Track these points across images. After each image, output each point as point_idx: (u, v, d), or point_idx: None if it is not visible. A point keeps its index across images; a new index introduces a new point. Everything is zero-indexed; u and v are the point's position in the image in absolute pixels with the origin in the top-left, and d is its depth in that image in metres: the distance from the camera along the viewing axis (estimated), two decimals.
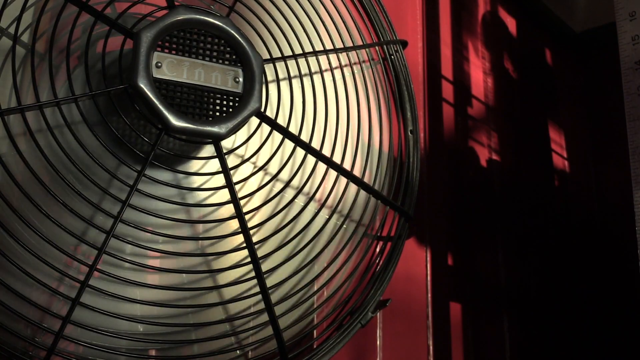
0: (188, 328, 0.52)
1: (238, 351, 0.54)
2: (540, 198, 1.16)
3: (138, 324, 0.50)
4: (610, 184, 1.33)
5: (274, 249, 0.56)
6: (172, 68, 0.51)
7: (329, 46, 0.67)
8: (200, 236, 0.55)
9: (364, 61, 0.72)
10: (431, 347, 0.78)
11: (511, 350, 0.95)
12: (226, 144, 0.57)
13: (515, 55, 1.19)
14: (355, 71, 0.70)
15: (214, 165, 0.57)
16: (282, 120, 0.59)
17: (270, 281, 0.55)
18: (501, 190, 1.03)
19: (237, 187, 0.54)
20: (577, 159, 1.31)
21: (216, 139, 0.52)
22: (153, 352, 0.50)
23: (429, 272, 0.80)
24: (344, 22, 0.70)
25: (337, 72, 0.67)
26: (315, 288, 0.61)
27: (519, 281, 1.02)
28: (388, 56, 0.77)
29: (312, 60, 0.65)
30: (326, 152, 0.62)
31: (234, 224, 0.54)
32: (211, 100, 0.53)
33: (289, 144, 0.60)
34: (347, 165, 0.64)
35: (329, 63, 0.67)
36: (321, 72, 0.65)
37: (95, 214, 0.50)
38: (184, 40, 0.52)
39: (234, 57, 0.54)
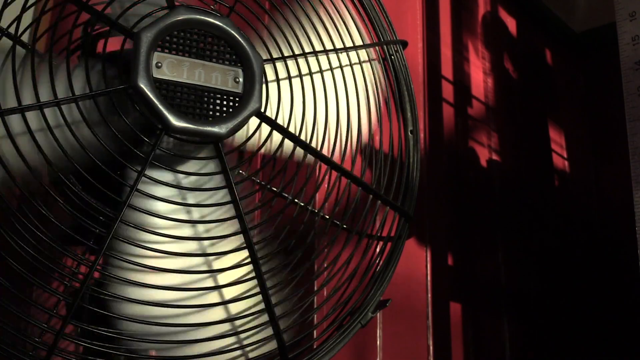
0: (188, 328, 0.51)
1: (238, 351, 0.54)
2: (540, 198, 1.16)
3: (138, 324, 0.50)
4: (610, 184, 1.33)
5: (275, 249, 0.56)
6: (172, 68, 0.51)
7: (329, 46, 0.67)
8: (201, 236, 0.55)
9: (364, 61, 0.72)
10: (431, 347, 0.78)
11: (511, 350, 0.95)
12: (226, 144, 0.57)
13: (515, 55, 1.19)
14: (355, 71, 0.70)
15: (215, 165, 0.57)
16: (282, 120, 0.59)
17: (270, 281, 0.55)
18: (501, 190, 1.03)
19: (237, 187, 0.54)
20: (577, 159, 1.31)
21: (216, 139, 0.52)
22: (153, 352, 0.50)
23: (429, 272, 0.81)
24: (343, 22, 0.70)
25: (337, 72, 0.67)
26: (316, 288, 0.61)
27: (519, 281, 1.02)
28: (388, 56, 0.77)
29: (312, 60, 0.65)
30: (326, 152, 0.62)
31: (235, 225, 0.54)
32: (211, 100, 0.53)
33: (289, 144, 0.60)
34: (346, 165, 0.64)
35: (329, 63, 0.67)
36: (321, 72, 0.65)
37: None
38: (184, 40, 0.52)
39: (234, 57, 0.54)
